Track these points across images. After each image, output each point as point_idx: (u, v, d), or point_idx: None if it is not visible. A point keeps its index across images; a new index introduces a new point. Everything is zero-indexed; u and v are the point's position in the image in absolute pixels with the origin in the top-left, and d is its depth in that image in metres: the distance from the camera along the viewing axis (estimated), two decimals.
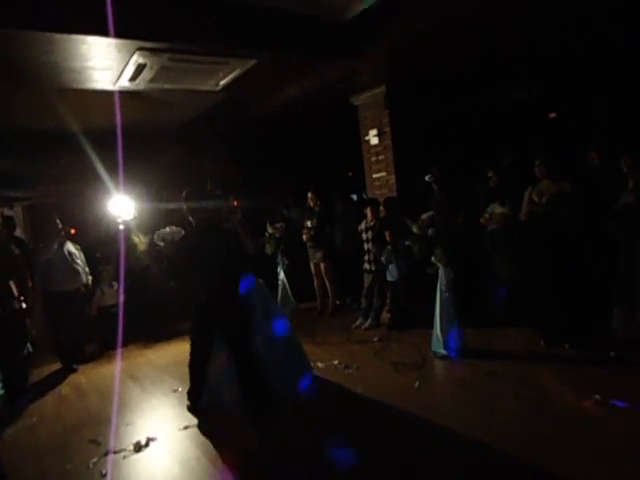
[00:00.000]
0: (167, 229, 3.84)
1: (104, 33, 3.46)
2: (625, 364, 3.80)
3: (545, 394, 3.45)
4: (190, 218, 3.85)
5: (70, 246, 5.61)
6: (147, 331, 6.42)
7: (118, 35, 3.60)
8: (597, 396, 3.24)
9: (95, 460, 3.21)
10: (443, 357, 4.39)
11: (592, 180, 4.48)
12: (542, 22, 4.50)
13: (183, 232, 3.84)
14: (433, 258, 4.45)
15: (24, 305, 4.50)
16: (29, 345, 4.67)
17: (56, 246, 5.39)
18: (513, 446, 2.80)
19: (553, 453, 2.69)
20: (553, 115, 6.57)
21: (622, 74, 5.50)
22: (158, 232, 3.89)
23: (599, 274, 4.40)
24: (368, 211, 5.61)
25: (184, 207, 3.83)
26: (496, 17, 4.18)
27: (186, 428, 3.56)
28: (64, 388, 4.88)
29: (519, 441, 2.86)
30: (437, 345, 4.44)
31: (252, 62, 4.52)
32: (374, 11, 4.41)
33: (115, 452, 3.29)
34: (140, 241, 6.48)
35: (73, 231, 5.90)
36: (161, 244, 3.83)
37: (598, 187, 4.38)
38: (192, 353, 3.85)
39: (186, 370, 3.90)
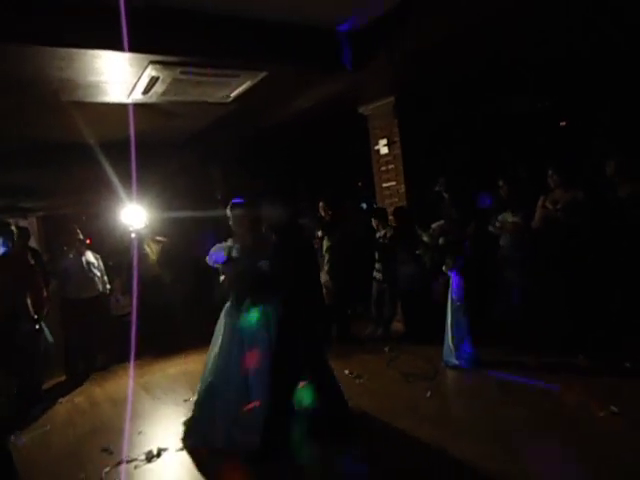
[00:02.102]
0: (223, 245, 3.43)
1: (119, 48, 3.53)
2: None
3: (559, 405, 3.41)
4: (260, 228, 3.49)
5: (90, 255, 5.76)
6: (159, 340, 6.46)
7: (132, 49, 3.68)
8: (613, 407, 3.19)
9: (107, 469, 3.22)
10: (455, 367, 4.36)
11: (605, 189, 4.45)
12: (552, 28, 4.50)
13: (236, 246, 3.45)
14: (444, 267, 4.44)
15: (37, 327, 4.59)
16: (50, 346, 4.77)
17: (72, 255, 5.52)
18: (521, 457, 2.77)
19: (568, 465, 2.66)
20: (564, 123, 6.54)
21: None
22: (213, 252, 3.52)
23: (614, 283, 4.35)
24: (373, 222, 5.62)
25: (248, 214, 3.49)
26: (509, 25, 4.19)
27: None
28: (77, 397, 4.93)
29: (528, 452, 2.82)
30: (449, 355, 4.41)
31: (262, 74, 4.57)
32: (382, 22, 4.45)
33: (127, 462, 3.31)
34: (151, 250, 6.56)
35: (89, 241, 6.01)
36: (218, 266, 3.49)
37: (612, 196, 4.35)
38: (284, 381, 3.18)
39: (197, 380, 3.90)
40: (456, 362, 4.35)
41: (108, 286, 5.90)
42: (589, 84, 5.83)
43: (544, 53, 5.13)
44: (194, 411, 3.54)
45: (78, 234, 5.61)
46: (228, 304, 3.58)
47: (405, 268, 5.27)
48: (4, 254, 4.45)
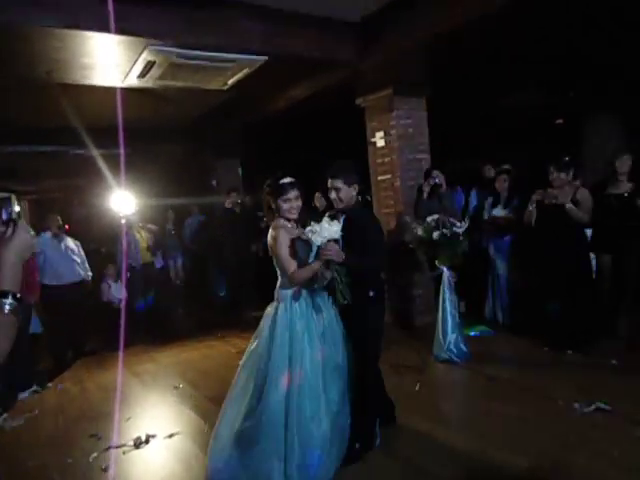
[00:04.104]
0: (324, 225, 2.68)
1: (114, 30, 3.47)
2: (627, 371, 3.78)
3: (547, 400, 3.44)
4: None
5: (69, 241, 5.66)
6: (149, 327, 6.45)
7: (128, 32, 3.64)
8: (600, 403, 3.23)
9: (95, 455, 3.22)
10: (445, 361, 4.38)
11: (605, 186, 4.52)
12: (553, 28, 4.50)
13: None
14: (437, 261, 4.45)
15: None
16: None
17: (47, 239, 5.43)
18: (514, 451, 2.80)
19: (555, 459, 2.69)
20: (560, 121, 6.56)
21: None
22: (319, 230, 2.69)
23: (605, 280, 4.40)
24: None
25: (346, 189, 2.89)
26: (509, 21, 4.18)
27: (186, 426, 3.57)
28: (66, 382, 4.90)
29: (520, 447, 2.85)
30: (439, 349, 4.43)
31: (261, 61, 4.53)
32: (383, 13, 4.42)
33: (115, 447, 3.30)
34: (142, 237, 6.52)
35: (67, 227, 5.94)
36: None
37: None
38: (369, 373, 2.94)
39: (189, 367, 3.90)
40: (446, 356, 4.37)
41: (90, 273, 5.84)
42: (587, 83, 5.86)
43: (543, 50, 5.13)
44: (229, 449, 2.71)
45: (57, 220, 5.54)
46: (293, 300, 2.74)
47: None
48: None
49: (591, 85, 5.86)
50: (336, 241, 2.67)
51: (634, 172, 4.35)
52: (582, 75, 5.72)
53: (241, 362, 2.88)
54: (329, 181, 2.95)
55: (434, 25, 4.12)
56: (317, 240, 2.64)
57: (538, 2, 3.84)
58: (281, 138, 8.09)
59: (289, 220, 2.78)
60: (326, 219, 2.72)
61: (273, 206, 2.80)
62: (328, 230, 2.64)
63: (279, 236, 2.71)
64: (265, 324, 2.80)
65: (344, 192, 2.91)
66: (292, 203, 2.74)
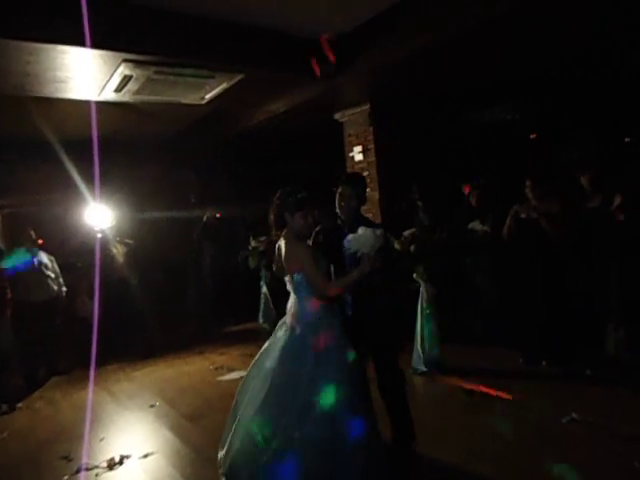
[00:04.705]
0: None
1: (89, 45, 3.45)
2: (600, 382, 3.85)
3: (523, 412, 3.48)
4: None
5: (43, 256, 5.54)
6: (126, 344, 6.32)
7: (104, 47, 3.62)
8: (574, 414, 3.28)
9: (67, 477, 3.12)
10: (423, 374, 4.40)
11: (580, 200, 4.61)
12: (525, 47, 4.64)
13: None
14: (415, 275, 4.48)
15: None
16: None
17: (20, 254, 5.32)
18: (490, 463, 2.82)
19: (530, 471, 2.71)
20: (534, 136, 6.73)
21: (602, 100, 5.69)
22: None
23: (581, 292, 4.47)
24: None
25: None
26: (482, 41, 4.29)
27: (162, 446, 3.49)
28: (38, 402, 4.75)
29: (495, 458, 2.87)
30: (417, 362, 4.45)
31: (238, 77, 4.55)
32: (360, 30, 4.50)
33: (87, 469, 3.20)
34: (119, 252, 6.42)
35: (41, 241, 5.82)
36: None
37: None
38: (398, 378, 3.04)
39: (166, 385, 3.83)
40: (424, 368, 4.39)
41: (64, 288, 5.71)
42: (559, 99, 6.03)
43: (517, 69, 5.28)
44: None
45: (31, 234, 5.42)
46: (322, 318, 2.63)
47: None
48: None
49: (563, 100, 6.04)
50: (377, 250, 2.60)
51: (601, 185, 4.43)
52: (553, 91, 5.89)
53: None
54: (342, 188, 2.95)
55: (409, 44, 4.20)
56: (365, 249, 2.56)
57: (512, 22, 3.95)
58: (260, 153, 8.10)
59: (298, 235, 2.71)
60: (362, 228, 2.62)
61: (288, 220, 2.70)
62: (377, 239, 2.57)
63: (305, 251, 2.62)
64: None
65: (353, 200, 2.93)
66: (309, 219, 2.72)
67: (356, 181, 3.03)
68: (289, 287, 2.75)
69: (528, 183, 4.41)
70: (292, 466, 2.37)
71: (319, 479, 2.41)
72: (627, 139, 6.47)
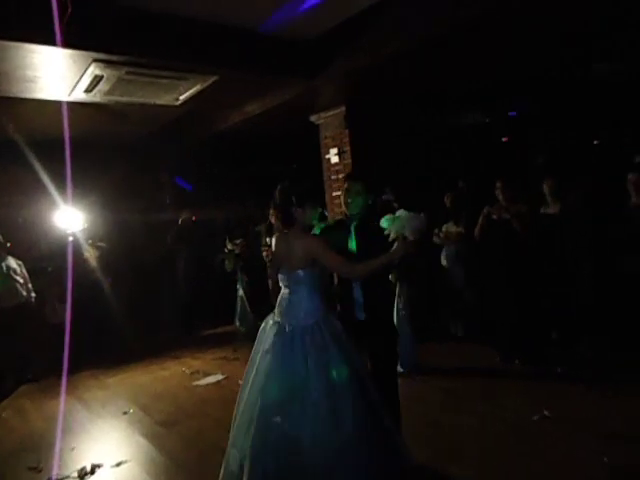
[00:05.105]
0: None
1: (58, 44, 3.36)
2: (572, 381, 3.94)
3: (498, 410, 3.54)
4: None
5: (11, 261, 5.42)
6: (99, 350, 6.18)
7: (73, 46, 3.52)
8: (546, 412, 3.35)
9: None
10: (400, 374, 4.41)
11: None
12: (503, 50, 4.72)
13: None
14: (390, 277, 4.51)
15: None
16: None
17: None
18: (465, 461, 2.85)
19: (504, 469, 2.76)
20: (505, 139, 6.87)
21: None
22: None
23: (552, 292, 4.58)
24: None
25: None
26: (457, 44, 4.35)
27: (135, 453, 3.42)
28: (5, 411, 4.60)
29: (471, 456, 2.91)
30: None
31: (213, 78, 4.50)
32: (335, 32, 4.51)
33: None
34: (91, 255, 6.28)
35: (9, 245, 5.67)
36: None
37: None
38: None
39: (140, 391, 3.76)
40: (400, 369, 4.42)
41: (33, 294, 5.57)
42: (532, 104, 6.18)
43: (493, 73, 5.38)
44: None
45: None
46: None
47: None
48: None
49: (536, 103, 6.19)
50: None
51: (559, 193, 4.54)
52: (525, 94, 6.03)
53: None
54: (347, 184, 2.94)
55: (385, 47, 4.23)
56: (405, 231, 2.47)
57: (488, 24, 4.00)
58: (236, 154, 8.05)
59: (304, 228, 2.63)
60: (402, 211, 2.56)
61: (296, 214, 2.60)
62: (422, 223, 2.46)
63: (319, 241, 2.55)
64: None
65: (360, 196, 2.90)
66: (315, 209, 2.67)
67: (361, 177, 3.04)
68: (285, 283, 2.62)
69: (498, 185, 4.50)
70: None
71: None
72: (595, 142, 6.69)
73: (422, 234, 2.55)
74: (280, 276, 2.65)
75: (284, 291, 2.63)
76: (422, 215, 2.53)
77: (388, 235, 2.59)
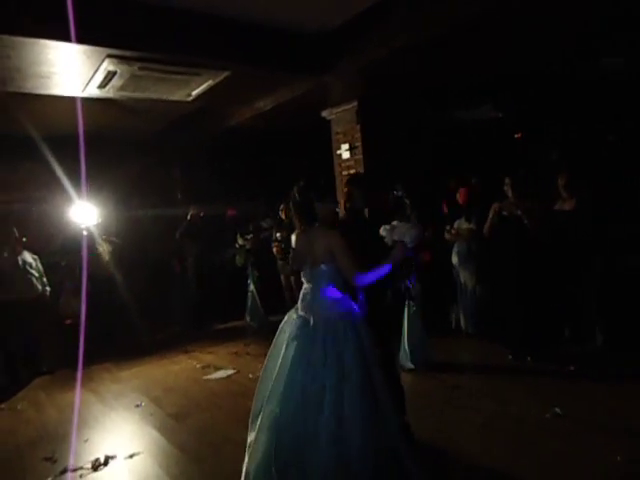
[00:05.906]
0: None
1: (73, 39, 3.40)
2: (584, 378, 3.90)
3: (507, 407, 3.52)
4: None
5: (27, 255, 5.52)
6: (112, 344, 6.26)
7: (87, 42, 3.56)
8: (557, 409, 3.32)
9: (50, 479, 3.08)
10: (410, 370, 4.42)
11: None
12: (512, 46, 4.67)
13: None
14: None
15: None
16: None
17: (6, 254, 5.32)
18: (474, 459, 2.84)
19: (510, 466, 2.74)
20: (518, 135, 6.79)
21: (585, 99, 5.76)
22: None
23: (565, 290, 4.53)
24: None
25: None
26: (471, 37, 4.30)
27: (148, 445, 3.46)
28: (21, 403, 4.68)
29: (479, 454, 2.90)
30: (404, 358, 4.47)
31: (225, 74, 4.52)
32: (348, 27, 4.49)
33: (72, 470, 3.16)
34: (105, 250, 6.36)
35: (25, 239, 5.76)
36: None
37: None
38: None
39: (152, 384, 3.80)
40: (411, 365, 4.42)
41: (48, 288, 5.66)
42: (545, 99, 6.09)
43: (505, 68, 5.32)
44: None
45: (14, 232, 5.38)
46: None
47: None
48: None
49: (548, 99, 6.11)
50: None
51: (573, 189, 4.47)
52: (538, 89, 5.95)
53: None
54: (348, 188, 3.02)
55: (396, 41, 4.20)
56: (405, 238, 2.59)
57: (499, 19, 3.96)
58: (247, 149, 8.07)
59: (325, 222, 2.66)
60: (398, 222, 2.68)
61: (319, 210, 2.62)
62: (418, 229, 2.62)
63: (339, 238, 2.55)
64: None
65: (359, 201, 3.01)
66: (336, 203, 2.76)
67: (362, 182, 3.11)
68: (307, 278, 2.65)
69: (507, 181, 4.46)
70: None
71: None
72: (610, 137, 6.58)
73: (420, 241, 2.66)
74: (303, 272, 2.69)
75: (306, 286, 2.68)
76: (419, 225, 2.70)
77: (384, 241, 2.68)
